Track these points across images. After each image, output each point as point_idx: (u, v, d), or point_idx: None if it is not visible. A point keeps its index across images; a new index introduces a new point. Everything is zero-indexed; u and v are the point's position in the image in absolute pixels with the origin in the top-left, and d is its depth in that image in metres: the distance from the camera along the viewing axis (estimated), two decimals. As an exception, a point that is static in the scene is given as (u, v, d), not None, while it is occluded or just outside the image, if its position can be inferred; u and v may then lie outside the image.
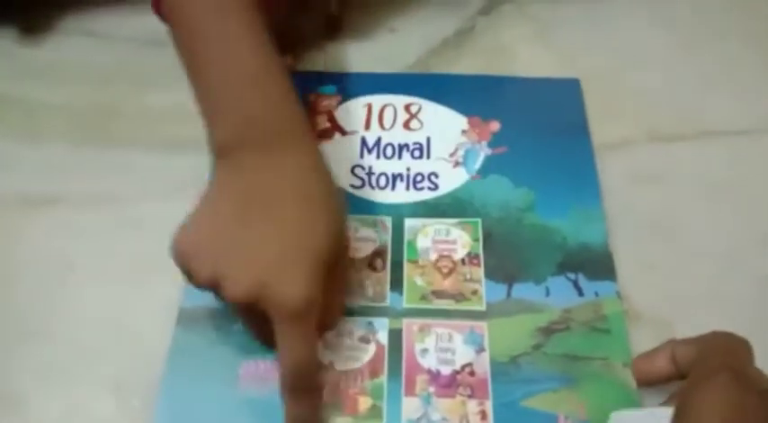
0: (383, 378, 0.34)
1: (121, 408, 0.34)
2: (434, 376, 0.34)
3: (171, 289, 0.37)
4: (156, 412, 0.33)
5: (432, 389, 0.34)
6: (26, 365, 0.36)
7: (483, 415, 0.33)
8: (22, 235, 0.41)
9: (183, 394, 0.34)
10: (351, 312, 0.37)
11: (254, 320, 0.33)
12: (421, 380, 0.34)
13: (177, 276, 0.37)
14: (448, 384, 0.34)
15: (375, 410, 0.33)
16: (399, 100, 0.46)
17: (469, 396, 0.34)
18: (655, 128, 0.44)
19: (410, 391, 0.34)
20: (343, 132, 0.45)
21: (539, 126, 0.44)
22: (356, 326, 0.36)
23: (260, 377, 0.34)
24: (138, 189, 0.43)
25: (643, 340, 0.35)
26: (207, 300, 0.37)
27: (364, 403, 0.34)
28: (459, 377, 0.34)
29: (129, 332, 0.37)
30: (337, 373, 0.35)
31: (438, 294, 0.37)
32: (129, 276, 0.39)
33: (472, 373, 0.34)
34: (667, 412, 0.27)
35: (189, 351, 0.35)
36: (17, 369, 0.36)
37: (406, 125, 0.45)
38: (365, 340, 0.36)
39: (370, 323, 0.36)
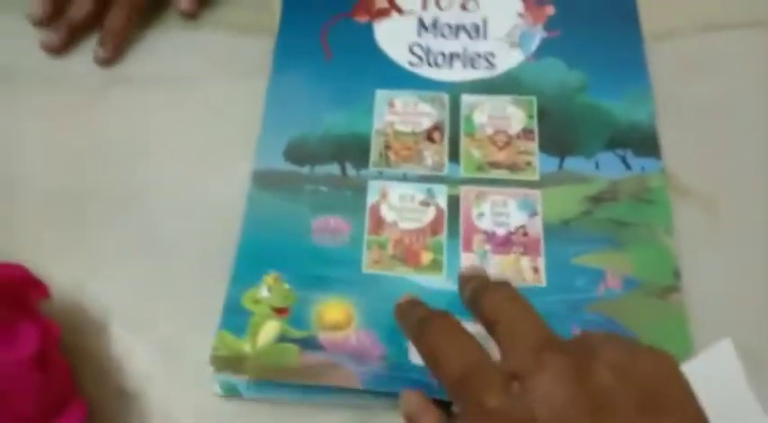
0: (443, 236, 0.38)
1: (206, 268, 0.37)
2: (490, 236, 0.38)
3: (244, 164, 0.40)
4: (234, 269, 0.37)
5: (488, 247, 0.37)
6: (122, 228, 0.39)
7: (535, 270, 0.36)
8: (99, 112, 0.44)
9: (260, 238, 0.37)
10: (411, 180, 0.39)
11: None
12: (478, 239, 0.38)
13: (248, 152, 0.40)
14: (503, 243, 0.37)
15: (436, 263, 0.37)
16: (456, -19, 0.46)
17: (523, 253, 0.37)
18: (705, 17, 0.45)
19: (467, 248, 0.37)
20: (401, 11, 0.46)
21: (591, 11, 0.45)
22: (416, 191, 0.39)
23: (331, 230, 0.38)
24: (206, 69, 0.45)
25: (690, 214, 0.38)
26: (278, 163, 0.40)
27: (426, 257, 0.37)
28: (513, 237, 0.37)
29: (209, 204, 0.40)
30: (401, 231, 0.38)
31: (494, 165, 0.40)
32: (204, 154, 0.42)
33: (525, 234, 0.37)
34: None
35: (263, 204, 0.38)
36: (113, 232, 0.40)
37: (463, 6, 0.46)
38: (425, 204, 0.39)
39: (429, 189, 0.39)
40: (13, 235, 0.40)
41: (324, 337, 0.34)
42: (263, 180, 0.39)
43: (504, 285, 0.29)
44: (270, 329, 0.34)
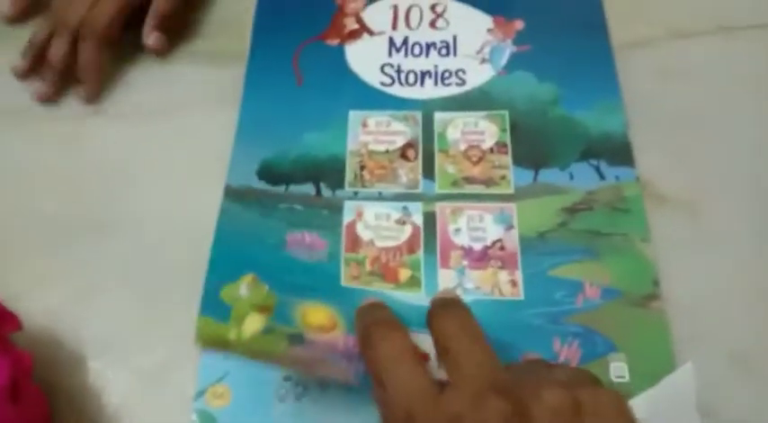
0: (420, 254, 0.37)
1: (182, 299, 0.36)
2: (467, 251, 0.37)
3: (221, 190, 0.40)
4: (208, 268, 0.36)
5: (465, 262, 0.37)
6: (100, 258, 0.39)
7: (513, 283, 0.36)
8: (79, 144, 0.44)
9: (234, 244, 0.37)
10: (386, 198, 0.39)
11: None
12: (455, 255, 0.37)
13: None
14: (480, 258, 0.37)
15: (414, 280, 0.36)
16: (425, 1, 0.47)
17: (500, 267, 0.37)
18: (674, 25, 0.46)
19: (445, 264, 0.37)
20: (371, 33, 0.46)
21: (560, 25, 0.45)
22: (392, 210, 0.39)
23: (307, 245, 0.37)
24: (185, 100, 0.45)
25: (667, 221, 0.38)
26: (251, 181, 0.40)
27: (404, 274, 0.37)
28: (490, 252, 0.37)
29: (188, 233, 0.39)
30: (378, 249, 0.37)
31: (468, 180, 0.40)
32: (182, 179, 0.42)
33: (502, 248, 0.37)
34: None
35: (236, 216, 0.39)
36: (91, 262, 0.39)
37: (433, 25, 0.46)
38: (401, 222, 0.39)
39: (405, 207, 0.39)
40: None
41: (311, 336, 0.34)
42: (236, 195, 0.39)
43: (458, 311, 0.29)
44: (254, 321, 0.33)
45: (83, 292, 0.38)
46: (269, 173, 0.40)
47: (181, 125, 0.44)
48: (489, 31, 0.45)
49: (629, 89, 0.42)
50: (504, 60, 0.44)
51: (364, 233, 0.38)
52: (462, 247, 0.37)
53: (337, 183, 0.40)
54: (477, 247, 0.37)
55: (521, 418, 0.24)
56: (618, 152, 0.40)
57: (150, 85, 0.46)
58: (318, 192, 0.40)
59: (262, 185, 0.40)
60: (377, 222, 0.38)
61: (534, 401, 0.24)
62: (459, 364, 0.26)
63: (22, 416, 0.31)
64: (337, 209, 0.39)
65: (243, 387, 0.34)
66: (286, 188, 0.40)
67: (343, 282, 0.36)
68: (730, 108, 0.42)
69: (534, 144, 0.41)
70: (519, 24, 0.45)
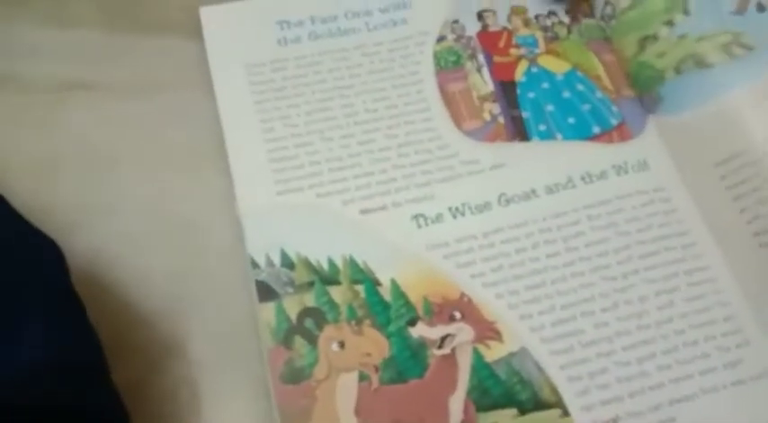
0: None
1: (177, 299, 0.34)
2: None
3: (222, 178, 0.36)
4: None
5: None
6: (76, 260, 0.34)
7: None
8: (61, 121, 0.39)
9: None
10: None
11: None
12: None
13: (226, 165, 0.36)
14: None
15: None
16: None
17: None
18: None
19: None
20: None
21: None
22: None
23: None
24: (178, 76, 0.40)
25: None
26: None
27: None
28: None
29: (184, 223, 0.36)
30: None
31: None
32: (178, 166, 0.38)
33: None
34: None
35: None
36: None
37: None
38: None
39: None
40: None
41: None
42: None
43: None
44: None
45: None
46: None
47: (172, 104, 0.40)
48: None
49: None
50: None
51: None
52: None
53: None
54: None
55: None
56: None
57: (136, 58, 0.41)
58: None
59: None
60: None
61: None
62: None
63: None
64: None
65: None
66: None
67: None
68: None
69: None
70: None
